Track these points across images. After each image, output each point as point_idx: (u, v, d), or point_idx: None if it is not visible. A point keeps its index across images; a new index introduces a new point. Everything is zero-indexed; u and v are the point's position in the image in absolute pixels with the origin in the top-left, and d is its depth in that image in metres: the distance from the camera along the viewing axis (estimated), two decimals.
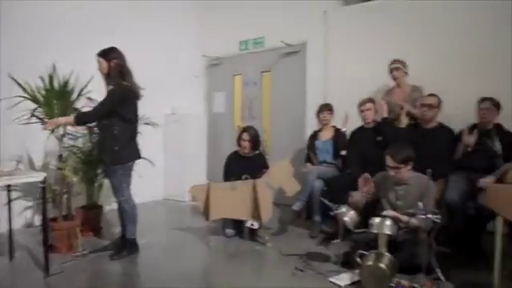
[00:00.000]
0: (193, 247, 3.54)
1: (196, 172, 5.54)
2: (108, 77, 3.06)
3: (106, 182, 3.61)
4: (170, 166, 5.55)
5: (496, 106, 3.31)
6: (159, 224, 4.43)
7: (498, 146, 3.24)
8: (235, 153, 3.99)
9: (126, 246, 3.22)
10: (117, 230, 3.51)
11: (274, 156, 4.28)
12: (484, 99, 3.35)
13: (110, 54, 3.05)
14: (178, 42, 5.69)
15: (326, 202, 3.01)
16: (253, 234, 3.68)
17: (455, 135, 3.47)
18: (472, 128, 3.36)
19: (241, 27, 5.60)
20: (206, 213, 3.56)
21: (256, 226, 3.56)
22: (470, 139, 3.31)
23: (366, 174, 3.05)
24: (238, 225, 3.77)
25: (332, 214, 2.90)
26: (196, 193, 3.62)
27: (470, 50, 3.89)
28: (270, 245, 3.48)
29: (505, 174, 3.03)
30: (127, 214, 3.18)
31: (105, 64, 3.05)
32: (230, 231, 3.74)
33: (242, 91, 5.79)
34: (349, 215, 2.84)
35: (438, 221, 2.47)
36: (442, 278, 2.57)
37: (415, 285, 2.49)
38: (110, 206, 4.21)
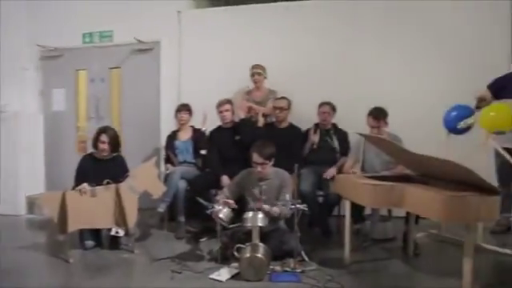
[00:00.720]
0: (47, 267, 3.08)
1: (31, 180, 4.83)
2: None
3: None
4: None
5: (333, 109, 3.95)
6: None
7: (335, 142, 3.88)
8: (90, 155, 3.63)
9: None
10: None
11: (126, 158, 4.07)
12: (323, 103, 3.96)
13: None
14: (2, 27, 4.78)
15: (202, 201, 3.05)
16: (116, 243, 3.43)
17: (303, 134, 3.99)
18: (315, 128, 3.94)
19: (84, 17, 5.07)
20: (61, 225, 3.12)
21: (121, 233, 3.33)
22: (315, 138, 3.88)
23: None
24: (97, 234, 3.46)
25: (208, 212, 2.96)
26: (46, 202, 3.17)
27: (314, 60, 4.52)
28: (138, 251, 3.32)
29: (342, 166, 3.69)
30: None
31: None
32: (89, 242, 3.39)
33: (87, 88, 5.25)
34: (223, 212, 2.95)
35: (306, 209, 2.83)
36: (306, 258, 2.94)
37: (286, 268, 2.79)
38: None
